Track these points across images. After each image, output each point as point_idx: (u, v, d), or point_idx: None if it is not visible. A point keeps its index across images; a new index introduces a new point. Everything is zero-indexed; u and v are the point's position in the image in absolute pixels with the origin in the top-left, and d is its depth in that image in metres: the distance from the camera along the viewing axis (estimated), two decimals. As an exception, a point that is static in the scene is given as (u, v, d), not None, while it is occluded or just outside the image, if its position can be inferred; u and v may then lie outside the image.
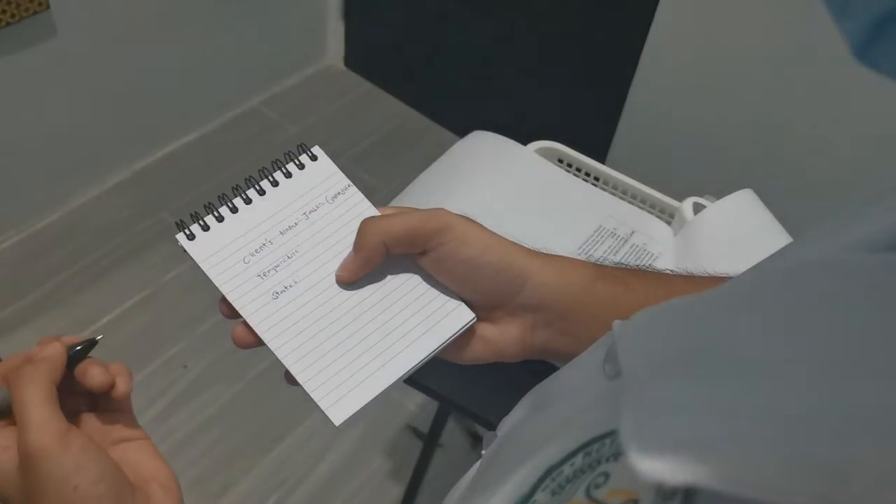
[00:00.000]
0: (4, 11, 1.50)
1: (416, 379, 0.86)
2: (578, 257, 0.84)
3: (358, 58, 2.42)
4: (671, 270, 0.49)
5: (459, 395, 0.85)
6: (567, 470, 0.25)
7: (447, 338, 0.44)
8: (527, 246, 0.46)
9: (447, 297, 0.45)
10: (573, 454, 0.25)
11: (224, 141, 2.13)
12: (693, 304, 0.26)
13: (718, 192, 0.94)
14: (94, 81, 1.81)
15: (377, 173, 2.07)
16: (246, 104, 2.25)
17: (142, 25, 1.85)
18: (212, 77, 2.11)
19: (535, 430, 0.32)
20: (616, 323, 0.28)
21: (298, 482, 1.52)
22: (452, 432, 1.54)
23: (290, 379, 0.43)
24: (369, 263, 0.44)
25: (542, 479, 0.25)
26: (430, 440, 1.30)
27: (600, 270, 0.46)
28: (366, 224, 0.44)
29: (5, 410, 0.41)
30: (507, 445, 0.33)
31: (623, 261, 0.86)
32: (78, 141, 1.83)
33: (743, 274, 0.28)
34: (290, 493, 1.50)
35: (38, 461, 0.37)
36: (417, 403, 1.61)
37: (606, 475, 0.22)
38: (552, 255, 0.46)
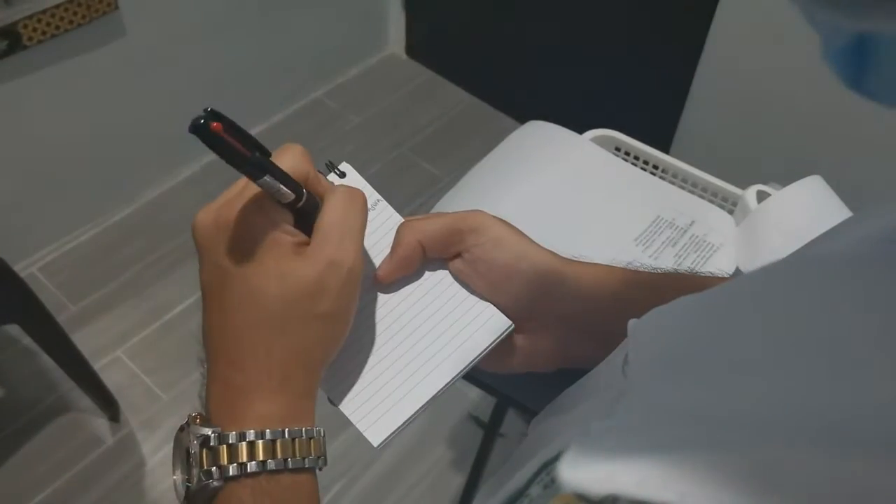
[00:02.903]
0: (76, 13, 1.56)
1: (472, 374, 0.85)
2: (634, 250, 0.82)
3: (420, 47, 2.42)
4: (711, 273, 0.47)
5: (513, 390, 0.84)
6: None
7: (486, 346, 0.43)
8: (567, 248, 0.45)
9: (483, 306, 0.43)
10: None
11: (289, 132, 2.16)
12: (701, 301, 0.26)
13: (786, 180, 0.90)
14: (162, 78, 1.86)
15: (439, 163, 2.06)
16: (310, 95, 2.28)
17: (207, 22, 1.89)
18: (276, 70, 2.14)
19: (551, 429, 0.31)
20: (631, 322, 0.27)
21: (363, 469, 1.54)
22: (514, 422, 1.53)
23: (330, 399, 0.43)
24: (406, 263, 0.44)
25: (537, 474, 0.25)
26: (491, 430, 1.30)
27: (636, 278, 0.44)
28: (402, 226, 0.44)
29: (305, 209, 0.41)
30: (523, 446, 0.33)
31: (682, 252, 0.84)
32: (148, 137, 1.89)
33: (755, 270, 0.27)
34: (355, 479, 1.53)
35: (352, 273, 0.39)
36: (479, 393, 1.61)
37: None
38: (588, 264, 0.45)
